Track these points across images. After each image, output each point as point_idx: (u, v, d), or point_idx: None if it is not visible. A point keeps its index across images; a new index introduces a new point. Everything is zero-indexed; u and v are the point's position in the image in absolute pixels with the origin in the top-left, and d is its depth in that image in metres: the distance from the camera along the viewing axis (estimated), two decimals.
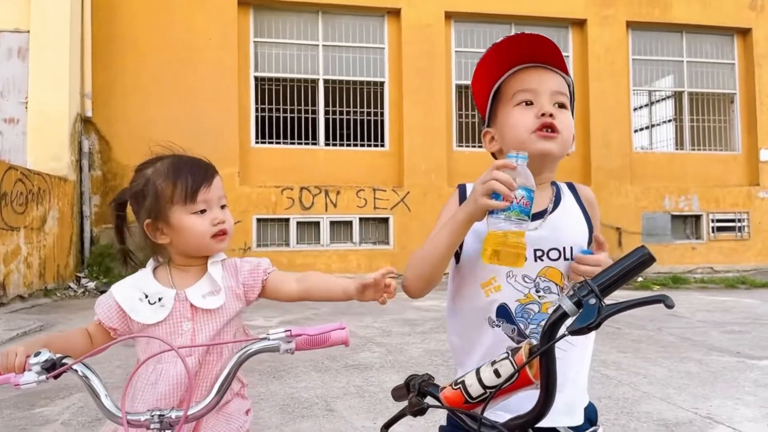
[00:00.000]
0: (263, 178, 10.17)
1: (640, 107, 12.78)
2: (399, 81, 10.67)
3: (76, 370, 1.04)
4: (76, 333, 1.25)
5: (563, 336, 0.81)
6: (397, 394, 1.05)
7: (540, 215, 1.14)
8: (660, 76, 12.32)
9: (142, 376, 1.22)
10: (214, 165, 1.33)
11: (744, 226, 11.58)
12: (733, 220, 11.56)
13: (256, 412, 3.08)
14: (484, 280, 1.15)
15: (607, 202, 11.08)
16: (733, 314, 6.77)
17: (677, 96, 12.34)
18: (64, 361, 1.04)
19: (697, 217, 11.60)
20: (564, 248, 1.13)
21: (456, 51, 11.03)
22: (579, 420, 1.14)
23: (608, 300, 0.81)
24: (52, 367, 1.03)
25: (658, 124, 12.99)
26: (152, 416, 1.01)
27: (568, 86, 1.19)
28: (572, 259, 1.12)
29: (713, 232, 11.49)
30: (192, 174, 1.24)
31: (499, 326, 1.13)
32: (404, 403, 1.02)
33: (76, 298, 8.30)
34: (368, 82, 10.83)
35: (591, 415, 1.20)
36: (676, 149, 12.31)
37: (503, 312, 1.14)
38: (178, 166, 1.26)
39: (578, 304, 0.80)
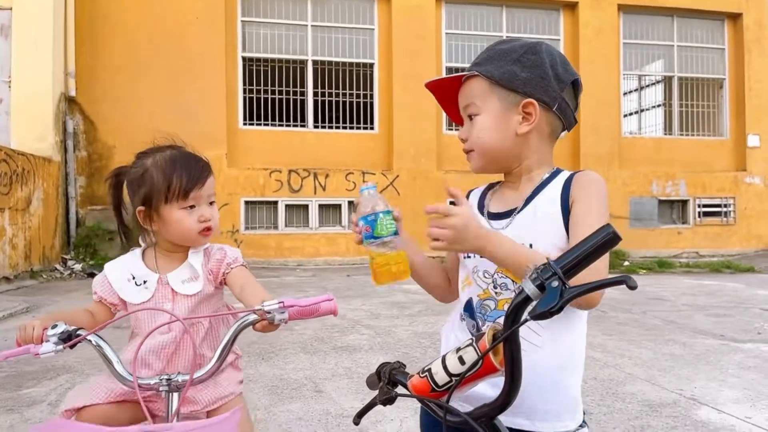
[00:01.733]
0: (251, 161, 10.09)
1: (630, 92, 12.80)
2: (389, 63, 10.57)
3: (89, 340, 1.14)
4: (80, 312, 1.34)
5: (525, 321, 0.79)
6: (370, 382, 1.05)
7: (508, 214, 1.15)
8: (650, 61, 12.33)
9: (129, 346, 1.35)
10: (209, 163, 1.41)
11: (730, 212, 11.72)
12: (719, 206, 11.68)
13: (245, 393, 3.09)
14: (462, 278, 1.20)
15: None
16: (718, 298, 6.87)
17: (667, 81, 12.37)
18: (78, 332, 1.13)
19: (684, 202, 11.71)
20: (530, 244, 1.11)
21: (447, 33, 10.93)
22: (542, 429, 1.08)
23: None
24: (68, 338, 1.12)
25: (647, 109, 13.03)
26: (161, 380, 1.13)
27: (493, 77, 1.14)
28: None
29: (699, 217, 11.62)
30: (187, 173, 1.32)
31: (464, 321, 1.16)
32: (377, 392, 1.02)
33: (62, 280, 8.23)
34: (358, 64, 10.72)
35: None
36: (665, 134, 12.37)
37: (468, 307, 1.16)
38: (174, 162, 1.33)
39: (541, 288, 0.77)
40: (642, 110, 13.00)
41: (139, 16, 9.59)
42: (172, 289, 1.35)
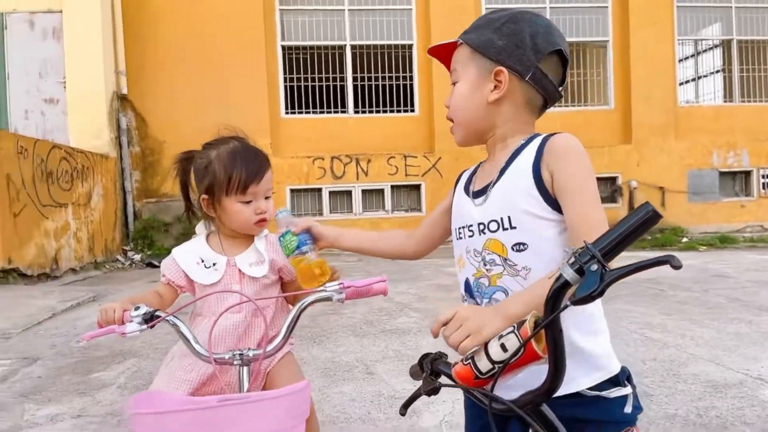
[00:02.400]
0: (294, 149, 10.21)
1: (686, 58, 12.17)
2: (428, 43, 10.41)
3: (168, 320, 1.21)
4: (150, 294, 1.44)
5: (566, 306, 0.76)
6: (413, 372, 1.06)
7: (483, 191, 1.15)
8: (707, 24, 11.67)
9: (201, 326, 1.44)
10: (267, 158, 1.49)
11: None
12: None
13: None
14: (456, 259, 1.22)
15: (648, 160, 10.71)
16: None
17: (726, 44, 11.69)
18: (157, 313, 1.21)
19: (747, 173, 11.12)
20: (502, 218, 1.10)
21: (486, 8, 10.67)
22: (570, 389, 1.05)
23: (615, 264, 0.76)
24: (149, 319, 1.20)
25: (704, 76, 12.36)
26: (234, 355, 1.21)
27: (472, 45, 1.16)
28: (512, 227, 1.09)
29: (764, 188, 11.00)
30: (246, 169, 1.41)
31: (467, 301, 1.17)
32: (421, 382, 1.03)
33: (123, 270, 8.62)
34: (396, 46, 10.63)
35: (614, 375, 1.10)
36: (725, 101, 11.73)
37: (467, 287, 1.18)
38: (235, 157, 1.42)
39: (580, 272, 0.75)
40: (699, 77, 12.35)
41: (182, 13, 9.80)
42: (240, 271, 1.44)
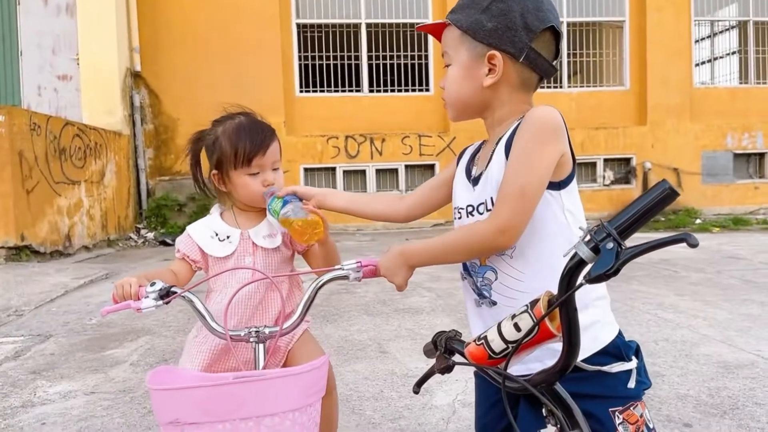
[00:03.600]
0: (309, 128, 10.18)
1: (702, 39, 11.91)
2: None
3: (184, 296, 1.22)
4: (165, 271, 1.44)
5: (581, 285, 0.76)
6: (428, 350, 1.07)
7: (478, 178, 1.15)
8: (723, 5, 11.39)
9: (214, 300, 1.45)
10: (273, 130, 1.50)
11: None
12: None
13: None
14: None
15: (664, 141, 10.57)
16: None
17: (742, 26, 11.42)
18: (173, 289, 1.22)
19: (761, 155, 10.96)
20: (486, 200, 1.11)
21: None
22: (534, 368, 1.03)
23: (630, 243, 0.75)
24: (165, 295, 1.21)
25: (720, 57, 12.11)
26: (249, 332, 1.20)
27: (461, 27, 1.13)
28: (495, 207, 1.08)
29: None
30: (250, 141, 1.43)
31: (465, 279, 1.20)
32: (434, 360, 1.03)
33: (136, 248, 8.71)
34: (411, 24, 10.49)
35: (615, 349, 1.08)
36: (740, 83, 11.50)
37: (464, 265, 1.19)
38: (240, 131, 1.44)
39: (595, 250, 0.74)
40: (715, 58, 12.10)
41: None
42: (253, 243, 1.46)
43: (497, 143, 1.12)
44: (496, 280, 1.11)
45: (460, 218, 1.19)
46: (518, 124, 1.09)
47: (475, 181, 1.16)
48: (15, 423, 2.53)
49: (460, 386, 2.77)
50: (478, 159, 1.20)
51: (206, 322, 1.22)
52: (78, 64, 9.19)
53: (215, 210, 1.55)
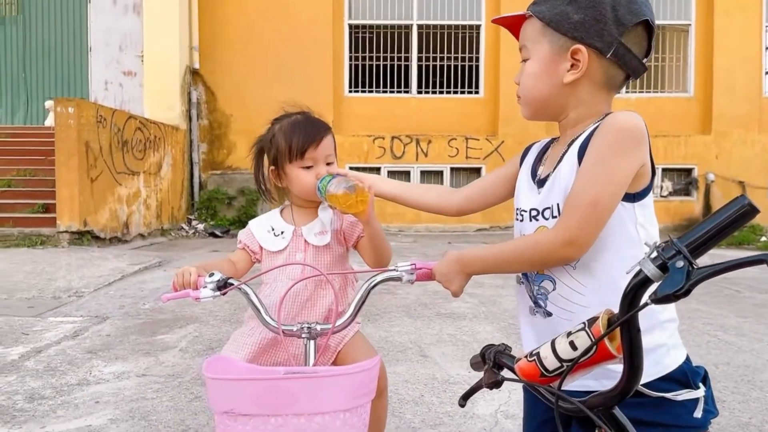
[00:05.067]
0: (356, 127, 10.26)
1: None
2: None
3: (240, 289, 1.24)
4: (224, 261, 1.49)
5: (645, 305, 0.71)
6: (474, 363, 1.03)
7: (544, 181, 1.09)
8: None
9: (264, 293, 1.47)
10: (328, 126, 1.52)
11: None
12: None
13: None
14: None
15: (729, 152, 10.10)
16: None
17: None
18: (230, 281, 1.24)
19: None
20: (553, 205, 1.04)
21: None
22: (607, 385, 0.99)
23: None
24: (222, 286, 1.23)
25: None
26: (302, 327, 1.21)
27: (544, 19, 1.05)
28: (561, 214, 1.02)
29: None
30: (303, 135, 1.45)
31: (522, 284, 1.14)
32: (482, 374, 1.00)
33: (187, 238, 9.00)
34: (464, 27, 10.42)
35: (682, 376, 1.02)
36: None
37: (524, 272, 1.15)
38: (294, 126, 1.48)
39: (663, 268, 0.69)
40: None
41: None
42: (305, 240, 1.49)
43: (570, 145, 1.05)
44: (553, 290, 1.05)
45: (521, 221, 1.13)
46: (595, 128, 1.01)
47: (540, 183, 1.10)
48: (71, 400, 2.66)
49: (503, 396, 2.73)
50: (546, 159, 1.13)
51: (260, 314, 1.24)
52: (142, 61, 9.59)
53: (279, 207, 1.60)
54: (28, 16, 10.09)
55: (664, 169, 10.21)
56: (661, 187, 10.22)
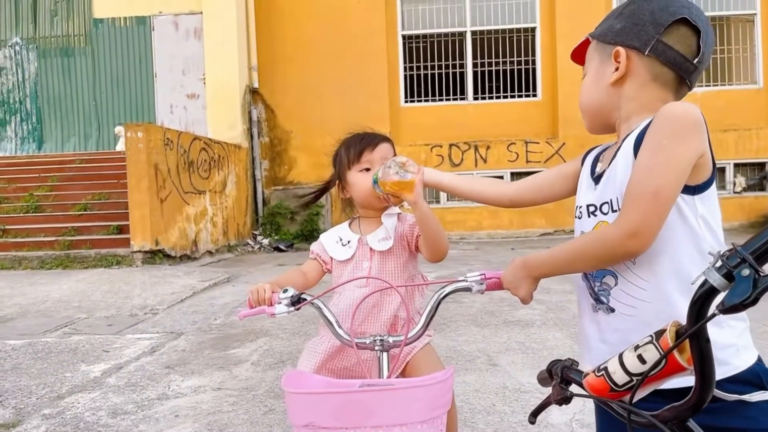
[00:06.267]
0: (413, 137, 10.28)
1: None
2: (552, 25, 9.95)
3: (313, 304, 1.27)
4: (295, 273, 1.56)
5: (713, 315, 0.69)
6: (542, 379, 1.03)
7: (600, 176, 1.11)
8: None
9: (331, 301, 1.50)
10: (388, 138, 1.59)
11: None
12: None
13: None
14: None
15: None
16: None
17: None
18: (303, 296, 1.27)
19: None
20: (611, 200, 1.06)
21: None
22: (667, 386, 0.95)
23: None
24: (297, 302, 1.26)
25: None
26: (375, 340, 1.24)
27: (594, 36, 1.16)
28: (620, 208, 1.02)
29: None
30: (360, 140, 1.54)
31: (584, 281, 1.14)
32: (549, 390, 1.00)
33: (253, 253, 9.26)
34: (518, 30, 10.27)
35: (754, 377, 0.99)
36: None
37: None
38: (352, 136, 1.57)
39: (728, 277, 0.67)
40: None
41: (307, 8, 10.23)
42: (370, 248, 1.53)
43: (624, 140, 1.07)
44: (615, 285, 1.05)
45: (580, 218, 1.15)
46: (650, 121, 1.02)
47: (597, 179, 1.12)
48: (152, 414, 2.77)
49: (577, 405, 2.63)
50: (603, 157, 1.16)
51: (333, 328, 1.27)
52: (204, 83, 10.01)
53: (347, 221, 1.66)
54: (97, 48, 10.75)
55: (736, 165, 9.65)
56: (734, 183, 9.64)
